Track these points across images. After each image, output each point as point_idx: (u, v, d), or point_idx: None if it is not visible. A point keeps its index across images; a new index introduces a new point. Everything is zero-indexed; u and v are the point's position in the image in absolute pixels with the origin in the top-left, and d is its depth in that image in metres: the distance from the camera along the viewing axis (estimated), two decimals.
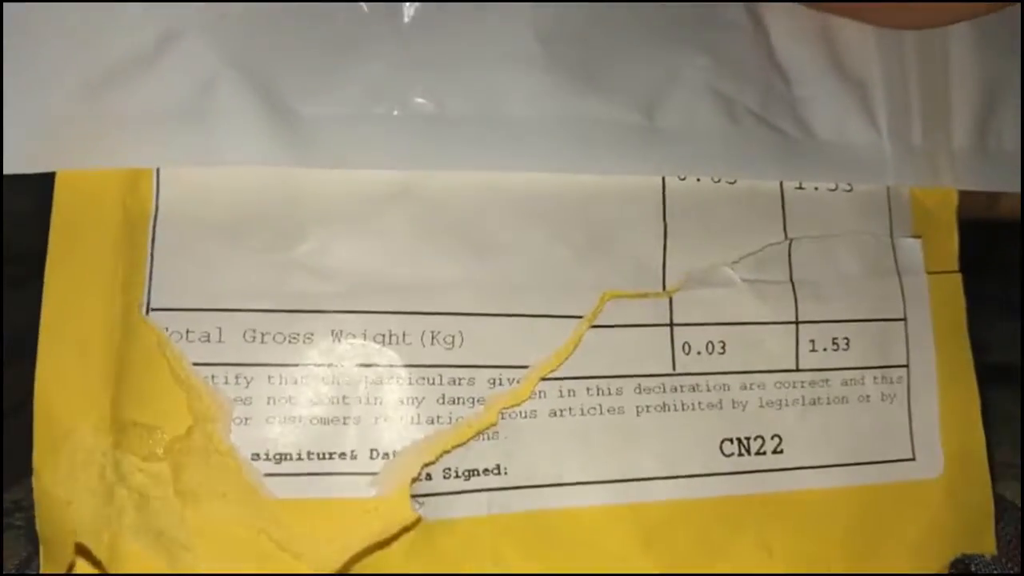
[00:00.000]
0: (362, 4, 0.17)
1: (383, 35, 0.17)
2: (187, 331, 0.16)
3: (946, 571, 0.19)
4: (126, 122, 0.16)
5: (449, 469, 0.17)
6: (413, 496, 0.17)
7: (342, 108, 0.17)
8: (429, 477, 0.17)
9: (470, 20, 0.17)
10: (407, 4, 0.17)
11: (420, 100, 0.17)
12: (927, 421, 0.20)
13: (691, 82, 0.18)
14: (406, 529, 0.16)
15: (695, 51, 0.18)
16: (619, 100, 0.18)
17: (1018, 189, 0.20)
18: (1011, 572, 0.20)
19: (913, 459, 0.19)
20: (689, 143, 0.18)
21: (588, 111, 0.17)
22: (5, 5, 0.16)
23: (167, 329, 0.16)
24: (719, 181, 0.19)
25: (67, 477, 0.16)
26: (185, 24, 0.16)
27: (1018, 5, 0.18)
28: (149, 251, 0.16)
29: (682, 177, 0.19)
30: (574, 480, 0.17)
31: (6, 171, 0.16)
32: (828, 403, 0.19)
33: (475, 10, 0.17)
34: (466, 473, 0.17)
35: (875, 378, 0.19)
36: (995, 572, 0.20)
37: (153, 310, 0.16)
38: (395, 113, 0.17)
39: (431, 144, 0.17)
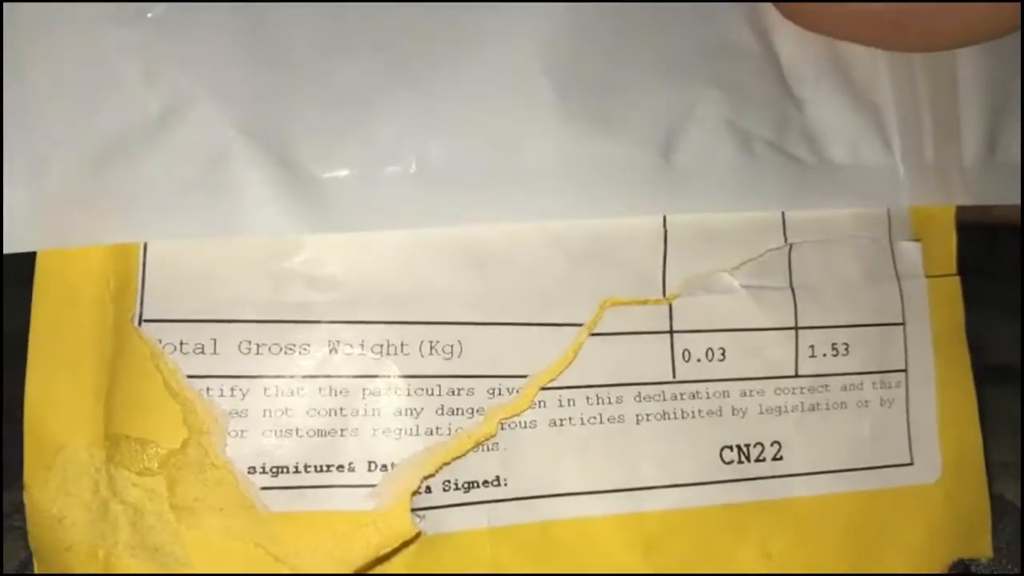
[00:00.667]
0: (373, 57, 0.16)
1: (396, 89, 0.16)
2: (181, 343, 0.16)
3: (945, 572, 0.19)
4: (135, 197, 0.16)
5: (448, 481, 0.17)
6: (412, 509, 0.16)
7: (357, 169, 0.16)
8: (428, 490, 0.17)
9: (481, 66, 0.17)
10: (416, 55, 0.16)
11: (435, 154, 0.16)
12: (925, 426, 0.20)
13: (706, 117, 0.18)
14: (405, 543, 0.16)
15: (708, 85, 0.18)
16: (633, 141, 0.17)
17: None
18: (1011, 572, 0.20)
19: (911, 464, 0.19)
20: (706, 180, 0.18)
21: (603, 155, 0.17)
22: (5, 79, 0.15)
23: (160, 341, 0.16)
24: None
25: (59, 493, 0.16)
26: (192, 92, 0.16)
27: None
28: (141, 261, 0.16)
29: None
30: (574, 490, 0.17)
31: (6, 250, 0.15)
32: (827, 409, 0.19)
33: (486, 56, 0.17)
34: (465, 485, 0.17)
35: (874, 383, 0.19)
36: (995, 573, 0.20)
37: (146, 321, 0.16)
38: (411, 170, 0.16)
39: (447, 200, 0.16)
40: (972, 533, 0.20)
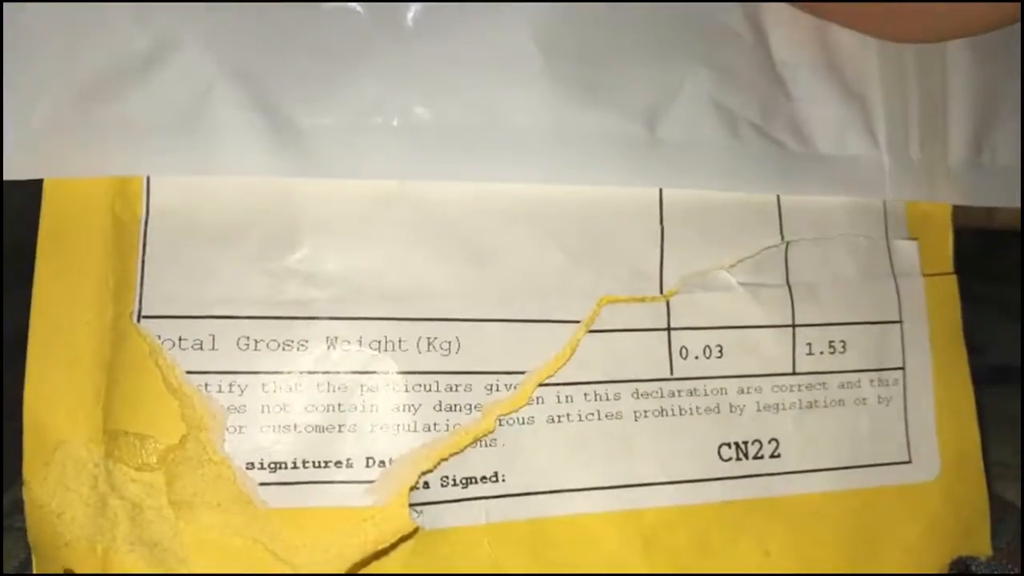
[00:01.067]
0: (361, 12, 0.16)
1: (383, 44, 0.16)
2: (179, 339, 0.16)
3: (944, 571, 0.19)
4: (120, 131, 0.16)
5: (446, 477, 0.17)
6: (410, 505, 0.16)
7: (341, 118, 0.16)
8: (426, 485, 0.17)
9: (471, 30, 0.17)
10: (407, 12, 0.17)
11: (420, 110, 0.17)
12: (923, 423, 0.20)
13: (693, 94, 0.18)
14: (403, 538, 0.16)
15: (697, 62, 0.18)
16: (620, 111, 0.17)
17: (1014, 204, 0.21)
18: (1011, 572, 0.20)
19: (909, 462, 0.19)
20: (690, 156, 0.18)
21: (589, 122, 0.17)
22: (5, 15, 0.16)
23: (159, 337, 0.16)
24: None
25: (58, 488, 0.16)
26: (181, 32, 0.16)
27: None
28: (140, 258, 0.16)
29: None
30: (572, 487, 0.17)
31: (6, 176, 0.16)
32: (825, 406, 0.19)
33: (476, 19, 0.17)
34: (464, 481, 0.17)
35: (872, 381, 0.19)
36: (995, 573, 0.20)
37: (144, 318, 0.16)
38: (394, 123, 0.17)
39: (430, 154, 0.17)
40: (971, 530, 0.20)
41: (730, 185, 0.18)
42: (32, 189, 0.16)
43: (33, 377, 0.16)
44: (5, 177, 0.16)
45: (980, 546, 0.20)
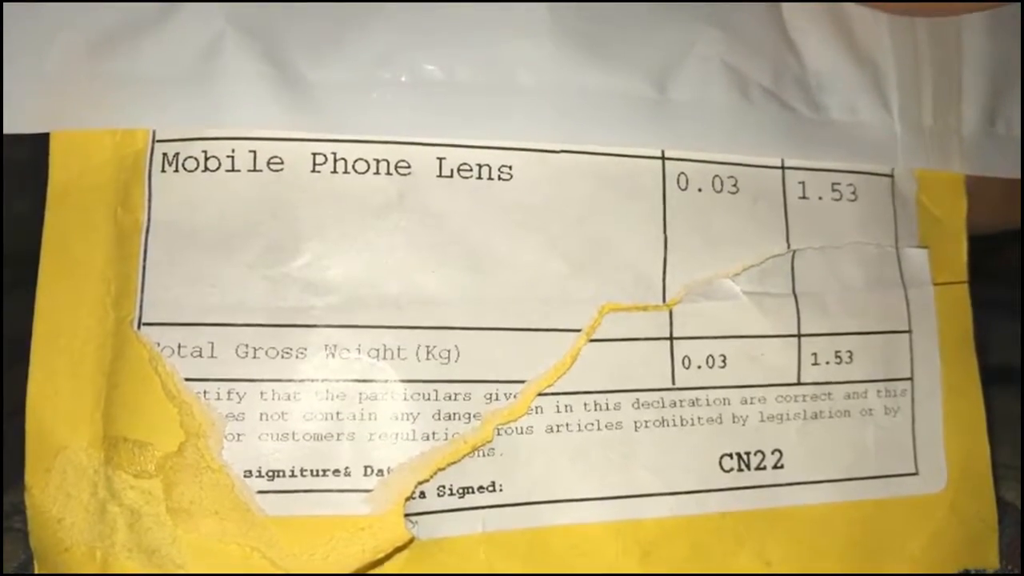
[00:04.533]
0: None
1: (391, 2, 0.17)
2: (179, 346, 0.16)
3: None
4: (127, 83, 0.16)
5: (443, 487, 0.17)
6: (407, 514, 0.16)
7: (350, 73, 0.16)
8: (423, 495, 0.17)
9: None
10: None
11: (429, 67, 0.17)
12: (931, 435, 0.19)
13: (704, 55, 0.18)
14: (400, 548, 0.16)
15: (709, 24, 0.18)
16: (630, 71, 0.17)
17: None
18: (1012, 573, 0.20)
19: (916, 474, 0.19)
20: (698, 116, 0.18)
21: (597, 81, 0.17)
22: None
23: (159, 344, 0.16)
24: (720, 191, 0.19)
25: (59, 494, 0.16)
26: None
27: None
28: (141, 264, 0.16)
29: (683, 187, 0.18)
30: (571, 497, 0.17)
31: (4, 130, 0.16)
32: (830, 417, 0.19)
33: None
34: (461, 491, 0.17)
35: (879, 392, 0.19)
36: (995, 573, 0.19)
37: (145, 325, 0.16)
38: (403, 79, 0.17)
39: (438, 112, 0.17)
40: (978, 543, 0.20)
41: (739, 147, 0.18)
42: (35, 195, 0.16)
43: (36, 383, 0.16)
44: (11, 130, 0.16)
45: (987, 558, 0.20)
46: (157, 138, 0.17)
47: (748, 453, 0.18)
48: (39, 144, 0.16)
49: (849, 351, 0.19)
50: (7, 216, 0.17)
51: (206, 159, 0.16)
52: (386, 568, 0.16)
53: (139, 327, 0.16)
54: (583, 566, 0.17)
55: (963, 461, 0.19)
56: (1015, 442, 0.19)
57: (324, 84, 0.16)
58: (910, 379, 0.19)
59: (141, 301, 0.16)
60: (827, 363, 0.19)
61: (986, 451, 0.20)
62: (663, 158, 0.18)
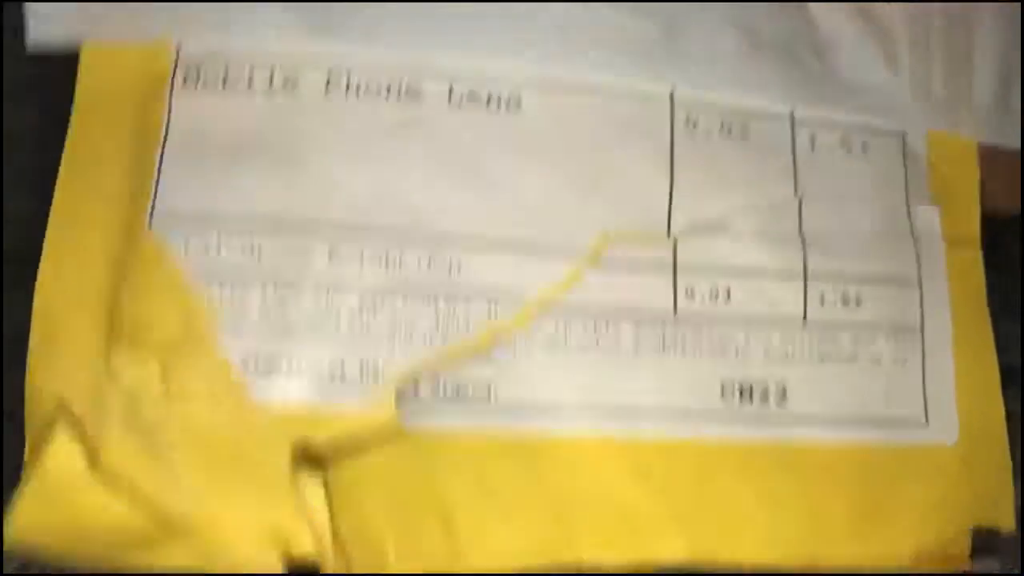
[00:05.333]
0: None
1: None
2: (187, 243, 0.16)
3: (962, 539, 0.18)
4: None
5: (438, 387, 0.17)
6: (400, 409, 0.16)
7: None
8: (417, 393, 0.17)
9: None
10: None
11: None
12: (942, 387, 0.19)
13: (716, 12, 0.19)
14: (391, 438, 0.16)
15: None
16: (643, 14, 0.19)
17: None
18: (1012, 573, 0.19)
19: (926, 424, 0.19)
20: (711, 60, 0.19)
21: (611, 20, 0.18)
22: None
23: (168, 240, 0.16)
24: (729, 136, 0.19)
25: (60, 373, 0.16)
26: None
27: None
28: (156, 168, 0.17)
29: (691, 129, 0.19)
30: (563, 404, 0.17)
31: (30, 40, 0.17)
32: (837, 360, 0.18)
33: None
34: (456, 392, 0.17)
35: (887, 339, 0.19)
36: (995, 572, 0.19)
37: (156, 221, 0.17)
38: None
39: (445, 28, 0.18)
40: (992, 501, 0.19)
41: (745, 89, 0.19)
42: (34, 193, 0.17)
43: (46, 268, 0.16)
44: (38, 40, 0.17)
45: (1003, 518, 0.19)
46: (181, 53, 0.17)
47: (751, 385, 0.18)
48: (39, 144, 0.17)
49: (857, 296, 0.19)
50: (7, 215, 0.17)
51: (225, 77, 0.17)
52: (377, 460, 0.16)
53: (151, 222, 0.17)
54: (573, 474, 0.17)
55: (976, 418, 0.19)
56: (1015, 442, 0.19)
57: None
58: (920, 331, 0.19)
59: (154, 200, 0.17)
60: (835, 304, 0.19)
61: (1001, 412, 0.19)
62: (672, 100, 0.19)
